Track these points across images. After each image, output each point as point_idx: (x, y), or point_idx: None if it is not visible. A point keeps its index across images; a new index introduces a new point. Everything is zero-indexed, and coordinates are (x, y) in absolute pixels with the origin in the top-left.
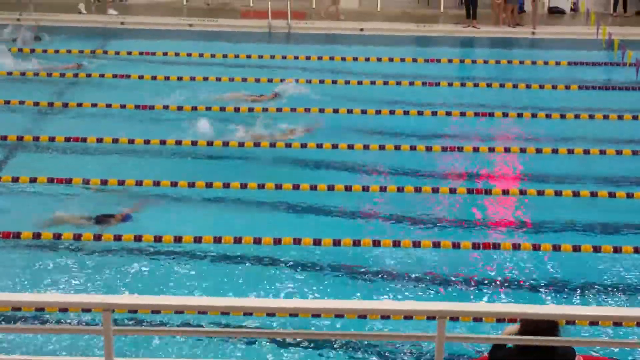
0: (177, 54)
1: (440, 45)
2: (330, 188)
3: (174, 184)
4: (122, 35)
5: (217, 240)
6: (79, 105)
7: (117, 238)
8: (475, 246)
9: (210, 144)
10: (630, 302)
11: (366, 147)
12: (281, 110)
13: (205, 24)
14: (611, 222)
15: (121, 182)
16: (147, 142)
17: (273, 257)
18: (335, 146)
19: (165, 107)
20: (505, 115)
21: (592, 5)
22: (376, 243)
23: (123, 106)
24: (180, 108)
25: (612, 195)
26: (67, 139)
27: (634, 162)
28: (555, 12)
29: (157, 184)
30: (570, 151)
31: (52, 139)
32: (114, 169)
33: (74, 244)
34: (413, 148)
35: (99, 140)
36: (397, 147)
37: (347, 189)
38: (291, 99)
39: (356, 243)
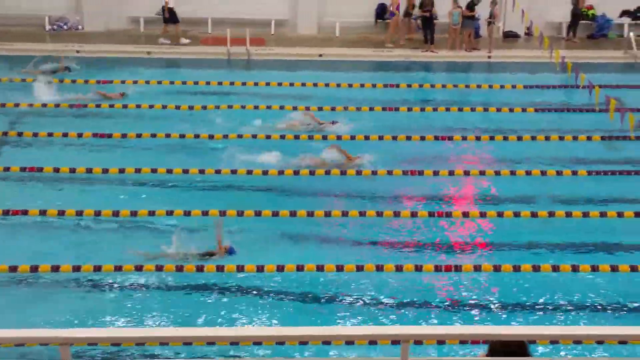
0: (135, 82)
1: (398, 70)
2: (292, 214)
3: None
4: (79, 63)
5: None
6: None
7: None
8: (438, 268)
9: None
10: (589, 320)
11: (327, 172)
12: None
13: (163, 52)
14: (569, 241)
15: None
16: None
17: (236, 285)
18: (296, 172)
19: (124, 136)
20: (464, 138)
21: (545, 30)
22: (339, 268)
23: (82, 135)
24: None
25: (568, 215)
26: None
27: (589, 182)
28: (510, 37)
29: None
30: (528, 172)
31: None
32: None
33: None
34: (374, 173)
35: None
36: (358, 172)
37: (309, 214)
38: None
39: (319, 268)
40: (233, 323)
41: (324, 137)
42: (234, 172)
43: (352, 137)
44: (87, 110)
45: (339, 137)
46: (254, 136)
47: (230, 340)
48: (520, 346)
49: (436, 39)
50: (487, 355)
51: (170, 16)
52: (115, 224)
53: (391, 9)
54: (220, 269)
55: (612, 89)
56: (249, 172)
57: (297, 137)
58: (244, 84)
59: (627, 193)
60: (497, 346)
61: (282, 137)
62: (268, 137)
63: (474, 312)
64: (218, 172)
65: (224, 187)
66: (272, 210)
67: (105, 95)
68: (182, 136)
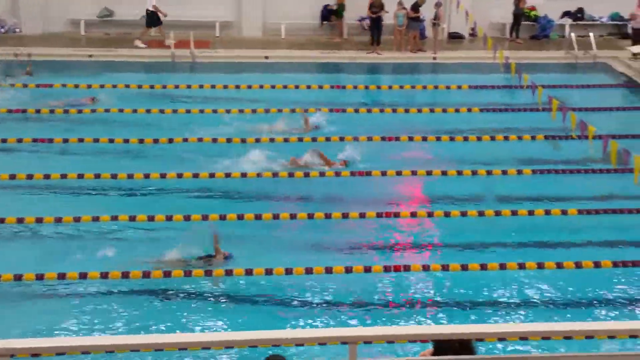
0: (76, 86)
1: (345, 72)
2: (240, 217)
3: None
4: (17, 67)
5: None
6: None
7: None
8: (387, 269)
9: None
10: (535, 316)
11: (275, 174)
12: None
13: (105, 54)
14: (515, 240)
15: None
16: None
17: (182, 289)
18: (243, 175)
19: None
20: (410, 139)
21: (489, 31)
22: (288, 271)
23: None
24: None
25: (514, 213)
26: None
27: (533, 181)
28: (454, 38)
29: None
30: (474, 172)
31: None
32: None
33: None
34: (322, 174)
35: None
36: (307, 175)
37: (257, 217)
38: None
39: (268, 272)
40: (184, 328)
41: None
42: (179, 175)
43: (300, 140)
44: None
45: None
46: (200, 139)
47: (176, 346)
48: (463, 344)
49: (382, 41)
50: (433, 354)
51: (153, 19)
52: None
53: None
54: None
55: (555, 88)
56: (195, 176)
57: (244, 140)
58: (189, 86)
59: (571, 191)
60: (442, 345)
61: (229, 140)
62: (214, 140)
63: (423, 312)
64: (163, 176)
65: (169, 192)
66: (220, 214)
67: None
68: (126, 141)
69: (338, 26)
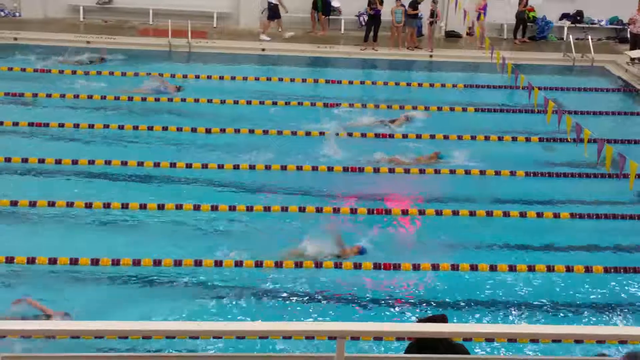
0: (74, 72)
1: (341, 67)
2: (232, 208)
3: None
4: (15, 51)
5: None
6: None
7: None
8: (376, 266)
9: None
10: (525, 318)
11: (252, 167)
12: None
13: (103, 41)
14: (506, 241)
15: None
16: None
17: (171, 279)
18: (220, 165)
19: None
20: (404, 136)
21: (486, 31)
22: (278, 264)
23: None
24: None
25: (506, 214)
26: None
27: (526, 183)
28: (451, 36)
29: None
30: (467, 172)
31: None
32: None
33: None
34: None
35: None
36: (283, 168)
37: (249, 209)
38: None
39: (258, 264)
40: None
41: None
42: (172, 165)
43: (293, 133)
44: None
45: (279, 132)
46: (194, 130)
47: (158, 333)
48: (442, 342)
49: (378, 37)
50: (414, 346)
51: (275, 12)
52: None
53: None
54: (157, 262)
55: (551, 90)
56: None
57: (237, 130)
58: (185, 76)
59: (563, 194)
60: (428, 343)
61: (238, 130)
62: (208, 130)
63: (412, 310)
64: (157, 164)
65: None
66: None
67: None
68: (121, 127)
69: (320, 20)
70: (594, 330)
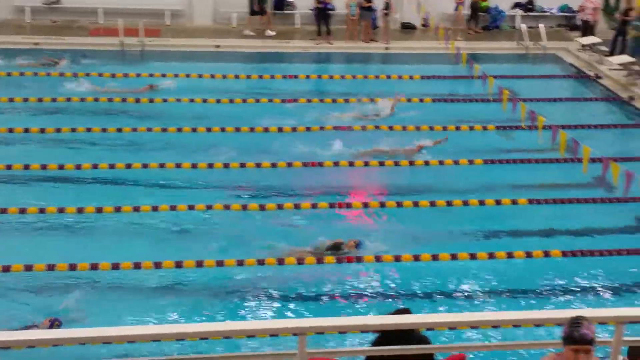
0: (22, 74)
1: (297, 62)
2: (192, 207)
3: None
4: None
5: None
6: None
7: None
8: (339, 260)
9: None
10: (487, 306)
11: (210, 165)
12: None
13: (51, 42)
14: (466, 230)
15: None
16: None
17: (130, 282)
18: (178, 165)
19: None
20: (363, 128)
21: (441, 21)
22: (240, 263)
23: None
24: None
25: (465, 203)
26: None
27: (485, 171)
28: (406, 28)
29: None
30: (426, 162)
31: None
32: None
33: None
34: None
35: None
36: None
37: (208, 207)
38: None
39: (219, 263)
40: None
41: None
42: (128, 166)
43: (252, 129)
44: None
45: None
46: (149, 129)
47: (125, 339)
48: (410, 334)
49: (334, 30)
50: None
51: (260, 8)
52: None
53: None
54: (115, 266)
55: (505, 79)
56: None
57: (194, 129)
58: (138, 75)
59: (520, 181)
60: (390, 336)
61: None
62: (164, 130)
63: (374, 302)
64: (112, 166)
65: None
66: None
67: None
68: (74, 130)
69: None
70: (554, 314)
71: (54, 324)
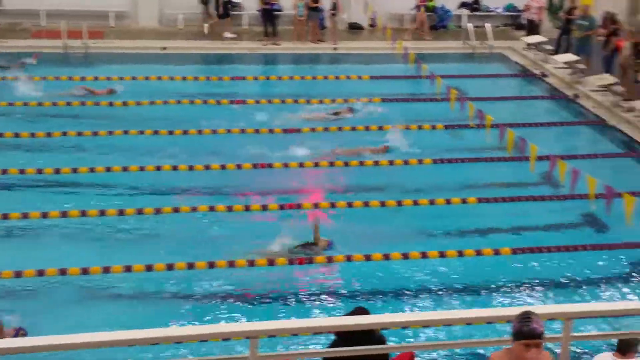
0: None
1: (245, 63)
2: (140, 211)
3: None
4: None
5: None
6: None
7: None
8: (291, 262)
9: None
10: (438, 304)
11: (158, 167)
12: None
13: None
14: (417, 229)
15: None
16: None
17: (77, 287)
18: (124, 168)
19: None
20: (312, 130)
21: (388, 21)
22: (190, 266)
23: None
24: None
25: (416, 203)
26: None
27: (434, 170)
28: (354, 28)
29: None
30: (376, 163)
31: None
32: None
33: None
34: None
35: None
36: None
37: (157, 211)
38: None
39: (169, 267)
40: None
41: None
42: (74, 170)
43: (199, 131)
44: None
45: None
46: (95, 133)
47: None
48: (366, 335)
49: (282, 31)
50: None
51: (224, 11)
52: None
53: None
54: (62, 271)
55: (453, 78)
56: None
57: (142, 131)
58: (82, 78)
59: (470, 179)
60: (347, 337)
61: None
62: (110, 133)
63: (325, 303)
64: (58, 171)
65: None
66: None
67: (93, 91)
68: (17, 135)
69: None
70: (503, 311)
71: (18, 332)
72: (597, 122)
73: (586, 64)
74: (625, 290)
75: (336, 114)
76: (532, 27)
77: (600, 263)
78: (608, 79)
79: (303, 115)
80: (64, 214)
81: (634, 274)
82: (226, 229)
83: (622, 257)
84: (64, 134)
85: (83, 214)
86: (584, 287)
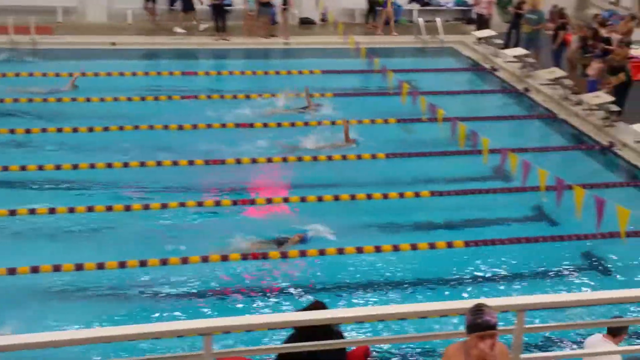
0: None
1: (196, 58)
2: (91, 209)
3: None
4: None
5: None
6: None
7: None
8: (244, 257)
9: None
10: (392, 298)
11: (109, 164)
12: None
13: None
14: (370, 223)
15: None
16: None
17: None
18: (75, 165)
19: None
20: (265, 125)
21: (339, 16)
22: (143, 263)
23: None
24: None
25: (369, 197)
26: None
27: (387, 165)
28: (305, 23)
29: None
30: (330, 157)
31: None
32: None
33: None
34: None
35: None
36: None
37: (108, 208)
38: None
39: (122, 265)
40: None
41: None
42: (23, 168)
43: (150, 127)
44: None
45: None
46: (44, 130)
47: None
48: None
49: (233, 26)
50: (293, 337)
51: (187, 3)
52: None
53: None
54: (11, 271)
55: (405, 72)
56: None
57: (92, 128)
58: (30, 74)
59: (423, 173)
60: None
61: (91, 129)
62: (59, 130)
63: (282, 299)
64: (5, 168)
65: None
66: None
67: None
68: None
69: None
70: (457, 304)
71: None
72: (547, 116)
73: (535, 57)
74: (577, 281)
75: (304, 108)
76: (482, 22)
77: (552, 255)
78: (557, 72)
79: (267, 110)
80: (13, 213)
81: (584, 266)
82: (180, 227)
83: (572, 248)
84: (12, 131)
85: (32, 212)
86: (536, 279)
